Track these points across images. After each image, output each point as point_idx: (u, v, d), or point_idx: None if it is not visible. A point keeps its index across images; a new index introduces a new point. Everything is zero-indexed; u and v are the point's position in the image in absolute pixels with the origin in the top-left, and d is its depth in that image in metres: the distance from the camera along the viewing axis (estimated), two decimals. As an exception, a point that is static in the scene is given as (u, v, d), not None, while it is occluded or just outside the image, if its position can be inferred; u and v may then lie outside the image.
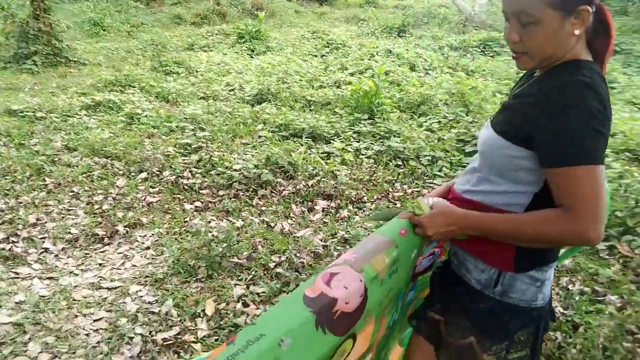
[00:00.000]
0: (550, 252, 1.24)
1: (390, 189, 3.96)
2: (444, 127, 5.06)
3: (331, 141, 4.72)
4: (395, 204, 3.78)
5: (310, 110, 5.68)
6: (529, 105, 1.13)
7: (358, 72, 7.49)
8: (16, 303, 2.58)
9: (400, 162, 4.37)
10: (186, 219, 3.46)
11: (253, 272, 2.89)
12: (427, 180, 4.10)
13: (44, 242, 3.14)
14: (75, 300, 2.65)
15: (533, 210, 1.17)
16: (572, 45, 1.13)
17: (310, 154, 4.39)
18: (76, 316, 2.52)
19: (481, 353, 1.27)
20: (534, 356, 1.29)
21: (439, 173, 4.16)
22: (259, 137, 4.80)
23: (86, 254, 3.10)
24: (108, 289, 2.76)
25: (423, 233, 1.27)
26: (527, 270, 1.23)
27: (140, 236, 3.28)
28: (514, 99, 1.22)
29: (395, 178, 4.12)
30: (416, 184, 4.06)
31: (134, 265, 2.99)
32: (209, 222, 3.43)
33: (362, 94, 5.31)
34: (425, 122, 5.24)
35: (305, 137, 4.72)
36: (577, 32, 1.11)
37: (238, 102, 5.99)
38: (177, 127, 4.98)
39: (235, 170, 3.96)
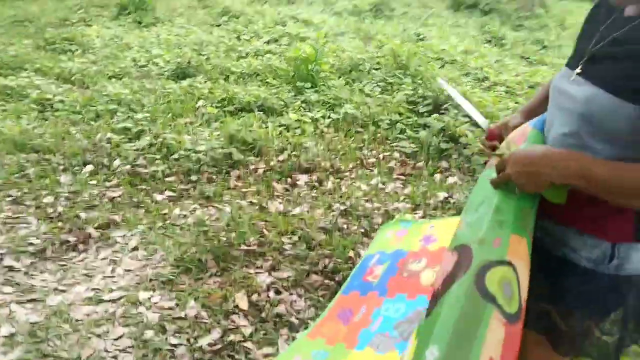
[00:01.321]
0: None
1: (362, 156, 3.89)
2: (385, 91, 5.07)
3: (283, 113, 4.50)
4: (372, 171, 3.73)
5: (244, 81, 5.35)
6: None
7: (273, 40, 7.22)
8: (5, 337, 2.11)
9: (359, 129, 4.31)
10: (164, 212, 3.08)
11: (270, 258, 2.67)
12: (392, 144, 4.09)
13: (2, 259, 2.60)
14: (78, 320, 2.23)
15: None
16: None
17: (267, 127, 4.14)
18: (89, 338, 2.13)
19: (600, 335, 1.21)
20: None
21: (401, 136, 4.18)
22: (203, 114, 4.42)
23: (62, 265, 2.62)
24: (111, 301, 2.37)
25: (507, 177, 1.09)
26: None
27: (120, 237, 2.86)
28: (619, 45, 1.02)
29: (361, 145, 4.05)
30: (383, 148, 4.04)
31: (128, 270, 2.60)
32: (193, 211, 3.10)
33: (301, 61, 5.11)
34: (364, 86, 5.21)
35: (257, 111, 4.44)
36: None
37: (158, 78, 5.45)
38: (104, 110, 4.39)
39: (199, 152, 3.61)
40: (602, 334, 1.22)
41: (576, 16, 13.24)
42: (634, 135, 0.98)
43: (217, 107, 4.52)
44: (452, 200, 3.33)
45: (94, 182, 3.37)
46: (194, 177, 3.44)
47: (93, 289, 2.44)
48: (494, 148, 1.26)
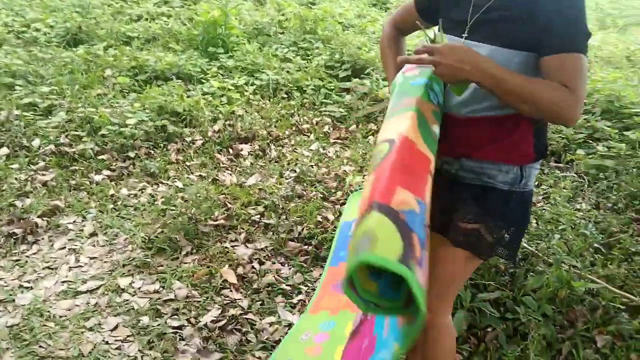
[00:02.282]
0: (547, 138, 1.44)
1: (296, 122, 3.94)
2: (299, 56, 5.10)
3: (203, 81, 4.34)
4: (308, 136, 3.81)
5: (147, 47, 5.01)
6: (532, 5, 1.20)
7: (163, 1, 6.76)
8: (-18, 345, 1.90)
9: (284, 95, 4.33)
10: (111, 193, 2.89)
11: (242, 230, 2.67)
12: (320, 110, 4.19)
13: (-63, 260, 2.28)
14: (61, 316, 2.07)
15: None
16: None
17: (191, 96, 3.98)
18: (82, 333, 2.00)
19: (513, 242, 1.44)
20: None
21: (327, 100, 4.29)
22: (114, 85, 4.10)
23: (16, 260, 2.37)
24: (89, 291, 2.22)
25: (435, 62, 1.19)
26: (541, 158, 1.42)
27: (70, 223, 2.64)
28: (496, 10, 1.26)
29: (292, 111, 4.09)
30: (313, 114, 4.12)
31: (93, 258, 2.44)
32: (143, 190, 2.95)
33: (210, 25, 4.91)
34: (276, 51, 5.18)
35: (176, 79, 4.22)
36: None
37: (47, 45, 4.87)
38: (-4, 84, 3.86)
39: (129, 126, 3.38)
40: (519, 239, 1.48)
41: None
42: (526, 74, 1.20)
43: (128, 77, 4.21)
44: (390, 161, 3.55)
45: (16, 165, 3.01)
46: (131, 154, 3.24)
47: (63, 282, 2.27)
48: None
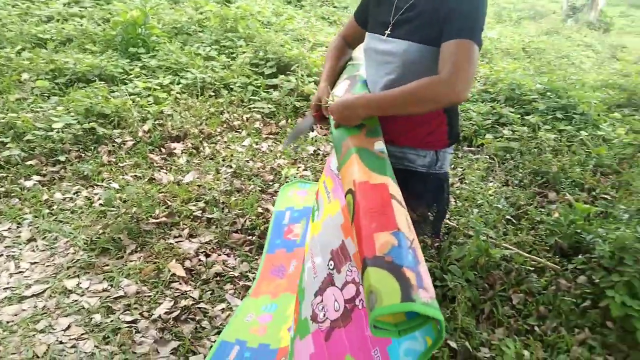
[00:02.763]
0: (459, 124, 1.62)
1: (227, 120, 4.02)
2: (223, 54, 5.15)
3: (126, 82, 4.29)
4: (240, 133, 3.91)
5: (63, 49, 4.84)
6: (439, 3, 1.36)
7: (74, 2, 6.50)
8: None
9: (212, 93, 4.38)
10: (44, 198, 2.84)
11: (185, 226, 2.74)
12: (249, 107, 4.29)
13: None
14: (9, 322, 2.06)
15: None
16: None
17: (117, 97, 3.93)
18: (33, 336, 2.00)
19: (437, 220, 1.69)
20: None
21: (255, 97, 4.40)
22: (32, 89, 3.96)
23: (-50, 271, 2.29)
24: (34, 295, 2.21)
25: (334, 118, 1.49)
26: (454, 143, 1.61)
27: (6, 231, 2.58)
28: (414, 9, 1.43)
29: (221, 109, 4.17)
30: (243, 111, 4.22)
31: (34, 263, 2.41)
32: (78, 192, 2.92)
33: (129, 25, 4.84)
34: (198, 49, 5.20)
35: (99, 81, 4.14)
36: None
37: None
38: None
39: (55, 130, 3.31)
40: (434, 216, 1.69)
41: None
42: (429, 66, 1.37)
43: (47, 80, 4.08)
44: (319, 152, 3.75)
45: None
46: (61, 158, 3.18)
47: (6, 289, 2.23)
48: (318, 106, 1.63)
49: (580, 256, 2.62)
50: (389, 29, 1.48)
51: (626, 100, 5.15)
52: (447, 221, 2.83)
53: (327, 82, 1.69)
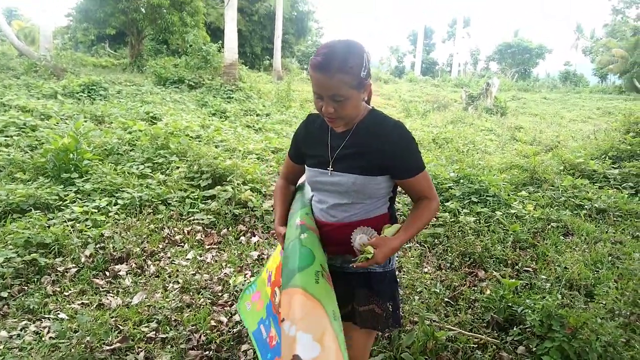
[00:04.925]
0: None
1: (168, 235, 4.10)
2: (157, 171, 5.31)
3: (62, 208, 4.30)
4: (183, 246, 3.99)
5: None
6: (380, 145, 1.65)
7: (30, 128, 6.48)
8: None
9: (150, 210, 4.47)
10: (-14, 338, 2.74)
11: (140, 349, 2.73)
12: (189, 219, 4.41)
13: None
14: None
15: (391, 206, 1.82)
16: (362, 105, 1.71)
17: (55, 225, 3.93)
18: None
19: (395, 310, 1.89)
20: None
21: (193, 210, 4.53)
22: (-38, 224, 3.87)
23: None
24: None
25: (378, 262, 1.67)
26: None
27: (-54, 380, 2.45)
28: (349, 148, 1.71)
29: (161, 225, 4.25)
30: (183, 224, 4.32)
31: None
32: (25, 328, 2.84)
33: (61, 152, 4.91)
34: (131, 168, 5.33)
35: (34, 210, 4.12)
36: (364, 97, 1.69)
37: None
38: None
39: (-7, 265, 3.25)
40: (395, 307, 1.86)
41: (265, 86, 15.57)
42: (376, 190, 1.72)
43: (-21, 215, 4.02)
44: (263, 256, 3.89)
45: None
46: (3, 294, 3.10)
47: None
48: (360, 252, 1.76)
49: (515, 328, 2.88)
50: (331, 166, 1.74)
51: (529, 179, 5.81)
52: (393, 310, 3.02)
53: (281, 222, 1.93)
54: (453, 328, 2.90)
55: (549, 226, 4.54)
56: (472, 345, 2.78)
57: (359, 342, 1.85)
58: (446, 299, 3.24)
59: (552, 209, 4.93)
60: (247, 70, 17.46)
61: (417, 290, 3.30)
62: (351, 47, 1.57)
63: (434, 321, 2.95)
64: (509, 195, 5.11)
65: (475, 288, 3.44)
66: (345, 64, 1.53)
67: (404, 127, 1.68)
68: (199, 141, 6.67)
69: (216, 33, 20.67)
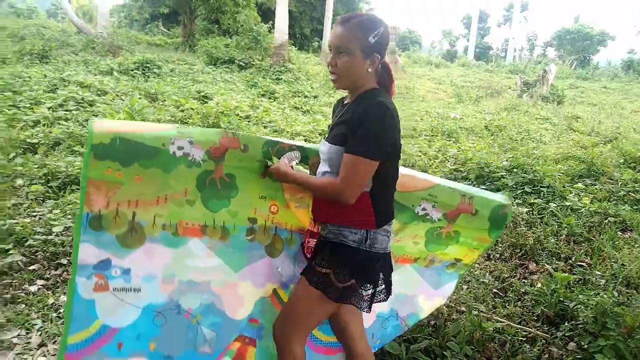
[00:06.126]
0: (392, 211, 1.85)
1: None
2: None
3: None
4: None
5: (55, 152, 5.02)
6: (349, 120, 1.68)
7: (57, 105, 6.78)
8: None
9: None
10: (51, 302, 2.90)
11: None
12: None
13: None
14: None
15: (377, 189, 1.78)
16: (367, 79, 1.73)
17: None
18: None
19: (360, 290, 1.83)
20: (389, 288, 1.87)
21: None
22: (27, 193, 4.08)
23: (-38, 384, 2.31)
24: (49, 403, 2.24)
25: (274, 174, 1.84)
26: (383, 226, 1.78)
27: (15, 337, 2.60)
28: (339, 118, 1.77)
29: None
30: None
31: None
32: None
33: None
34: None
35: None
36: (370, 69, 1.70)
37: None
38: None
39: (54, 234, 3.42)
40: (364, 291, 1.79)
41: (313, 67, 15.55)
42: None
43: (41, 184, 4.22)
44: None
45: (-62, 287, 2.91)
46: (63, 261, 3.26)
47: (20, 398, 2.25)
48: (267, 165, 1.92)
49: (566, 323, 2.80)
50: (328, 135, 1.83)
51: (586, 171, 5.58)
52: (440, 298, 3.00)
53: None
54: (501, 320, 2.85)
55: (606, 221, 4.36)
56: (520, 338, 2.72)
57: (302, 298, 1.82)
58: (495, 290, 3.18)
59: (609, 203, 4.73)
60: (296, 52, 17.49)
61: (466, 279, 3.25)
62: (371, 16, 1.71)
63: (482, 312, 2.91)
64: (564, 186, 4.94)
65: (526, 280, 3.36)
66: (359, 23, 1.65)
67: (378, 107, 1.63)
68: (248, 121, 6.75)
69: (267, 14, 20.71)
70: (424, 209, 2.22)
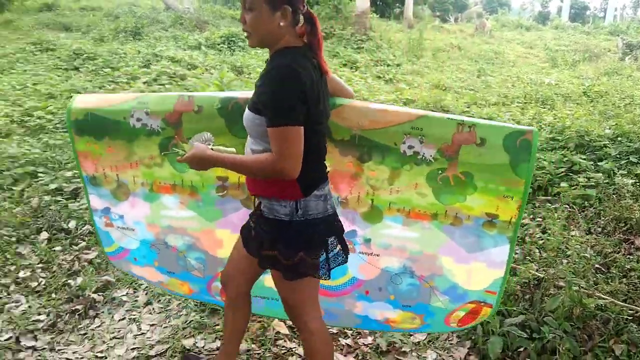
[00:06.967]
0: (320, 175, 1.71)
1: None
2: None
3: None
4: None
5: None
6: (259, 85, 1.56)
7: (152, 80, 7.15)
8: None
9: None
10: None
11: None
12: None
13: (19, 341, 2.45)
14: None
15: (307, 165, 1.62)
16: (282, 35, 1.57)
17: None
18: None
19: (311, 260, 1.72)
20: (345, 248, 1.80)
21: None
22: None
23: (84, 334, 2.55)
24: (158, 355, 2.42)
25: (187, 163, 1.68)
26: (311, 192, 1.66)
27: (125, 296, 2.85)
28: (255, 82, 1.65)
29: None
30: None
31: (153, 325, 2.63)
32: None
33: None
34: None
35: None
36: (282, 24, 1.54)
37: (53, 132, 5.13)
38: (16, 175, 4.09)
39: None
40: (313, 260, 1.69)
41: (395, 35, 15.17)
42: (260, 131, 1.57)
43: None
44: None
45: (59, 248, 3.22)
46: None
47: (133, 349, 2.46)
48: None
49: (680, 303, 2.59)
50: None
51: (702, 140, 5.05)
52: (536, 272, 2.88)
53: None
54: (604, 297, 2.68)
55: None
56: (626, 317, 2.56)
57: (276, 284, 1.80)
58: (597, 266, 3.00)
59: None
60: (378, 19, 17.13)
61: (566, 253, 3.09)
62: None
63: (582, 287, 2.75)
64: (675, 156, 4.50)
65: (631, 256, 3.13)
66: None
67: (282, 70, 1.49)
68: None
69: (348, -18, 20.35)
70: (410, 147, 1.86)
